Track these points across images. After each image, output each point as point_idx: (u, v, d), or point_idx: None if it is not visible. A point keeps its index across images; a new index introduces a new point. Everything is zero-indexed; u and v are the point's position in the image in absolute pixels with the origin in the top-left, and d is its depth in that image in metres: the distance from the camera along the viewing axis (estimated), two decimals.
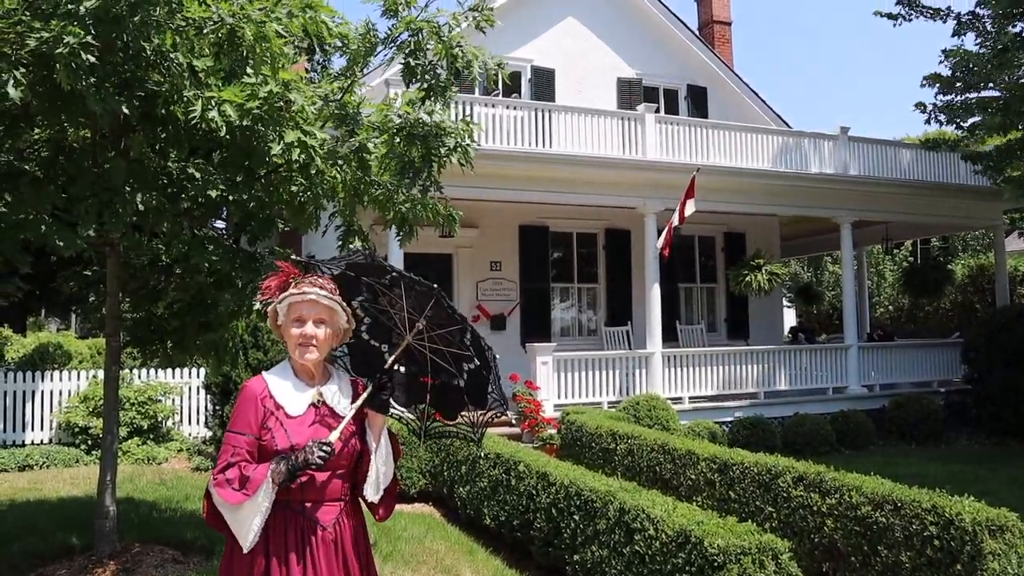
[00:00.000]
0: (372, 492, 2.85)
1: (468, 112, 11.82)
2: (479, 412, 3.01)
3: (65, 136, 4.98)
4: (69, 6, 3.80)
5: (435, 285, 2.84)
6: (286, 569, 2.66)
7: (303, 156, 4.42)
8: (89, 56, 3.81)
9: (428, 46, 5.23)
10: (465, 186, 11.39)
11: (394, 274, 2.86)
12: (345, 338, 2.92)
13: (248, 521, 2.61)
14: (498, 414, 3.02)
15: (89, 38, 3.82)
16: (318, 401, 2.80)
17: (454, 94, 5.46)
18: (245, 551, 2.64)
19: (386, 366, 2.86)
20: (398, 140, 5.24)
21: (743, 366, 13.43)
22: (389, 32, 5.17)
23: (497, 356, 2.98)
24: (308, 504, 2.72)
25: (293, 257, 3.33)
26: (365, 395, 2.79)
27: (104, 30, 3.94)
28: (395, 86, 10.24)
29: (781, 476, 6.25)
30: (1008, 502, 5.28)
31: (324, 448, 2.61)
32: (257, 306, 5.05)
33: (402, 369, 2.94)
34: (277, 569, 2.66)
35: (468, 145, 5.41)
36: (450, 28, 5.23)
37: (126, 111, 4.28)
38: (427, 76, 5.24)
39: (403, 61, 5.24)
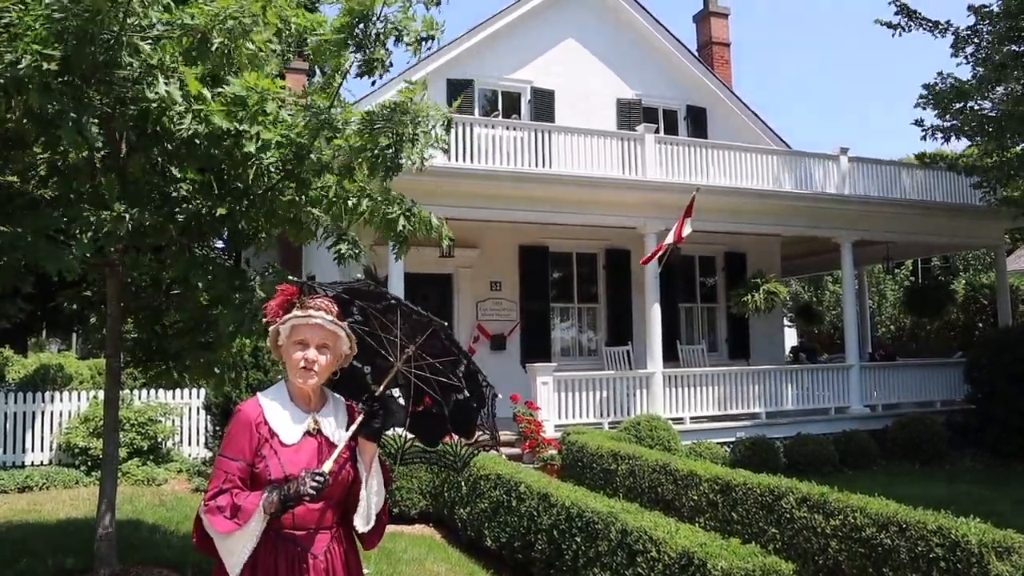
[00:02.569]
0: (362, 523, 2.79)
1: (468, 132, 11.87)
2: (463, 442, 3.00)
3: (65, 157, 4.98)
4: (39, 23, 3.78)
5: (436, 319, 2.83)
6: None
7: (278, 152, 4.41)
8: (50, 65, 3.78)
9: (379, 28, 5.18)
10: (465, 206, 11.47)
11: (391, 301, 2.84)
12: (345, 363, 2.87)
13: (238, 550, 2.57)
14: (484, 447, 3.01)
15: (54, 57, 3.80)
16: (314, 429, 2.75)
17: (386, 61, 5.37)
18: None
19: (376, 393, 2.82)
20: (367, 135, 5.18)
21: (745, 386, 13.39)
22: (338, 22, 5.14)
23: (498, 395, 2.99)
24: (299, 533, 2.67)
25: (291, 278, 3.30)
26: (356, 423, 2.75)
27: (75, 48, 3.91)
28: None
29: (784, 497, 6.22)
30: (1014, 523, 5.24)
31: (317, 478, 2.55)
32: (252, 327, 5.03)
33: (390, 394, 2.91)
34: None
35: (428, 131, 5.29)
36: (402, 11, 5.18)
37: (100, 141, 4.26)
38: (372, 54, 5.20)
39: (353, 51, 5.20)
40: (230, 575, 2.60)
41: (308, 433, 2.74)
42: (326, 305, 2.75)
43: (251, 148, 4.40)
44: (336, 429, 2.79)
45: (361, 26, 5.11)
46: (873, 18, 13.44)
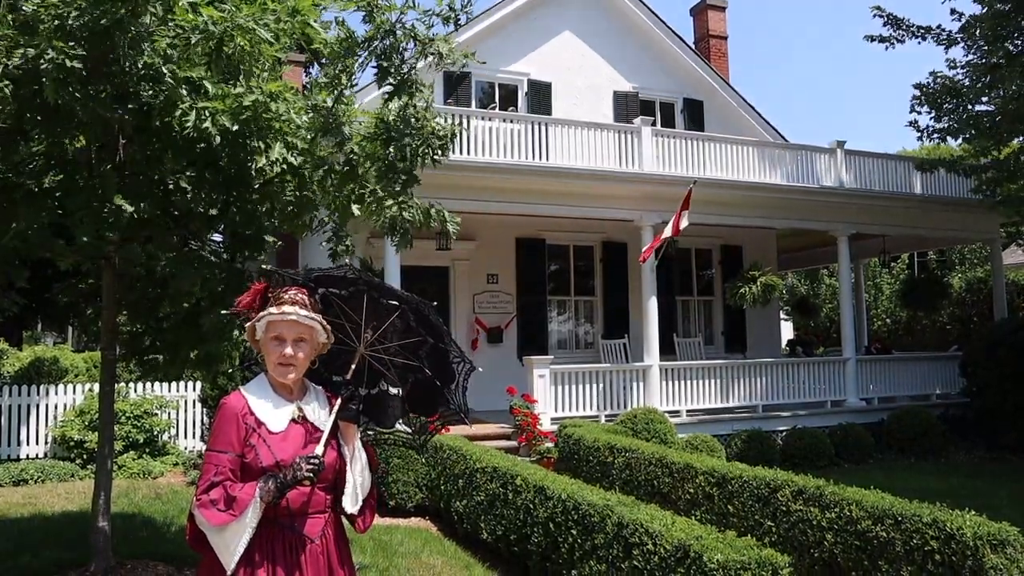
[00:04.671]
0: (350, 504, 2.83)
1: (465, 125, 11.84)
2: (423, 419, 3.08)
3: (62, 149, 4.96)
4: (55, 22, 3.78)
5: (410, 298, 2.90)
6: None
7: (285, 166, 4.42)
8: (74, 63, 3.78)
9: (408, 47, 5.22)
10: (462, 199, 11.43)
11: (360, 286, 2.90)
12: (323, 351, 2.91)
13: (234, 542, 2.58)
14: (446, 422, 3.09)
15: (78, 51, 3.80)
16: (298, 416, 2.79)
17: (424, 89, 5.42)
18: (228, 573, 2.59)
19: (348, 375, 2.89)
20: (379, 143, 5.21)
21: (741, 379, 13.40)
22: (365, 35, 5.15)
23: (475, 368, 3.06)
24: (296, 519, 2.71)
25: (264, 267, 3.33)
26: (336, 407, 2.81)
27: (95, 44, 3.91)
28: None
29: (780, 490, 6.22)
30: (1009, 516, 5.26)
31: (312, 461, 2.61)
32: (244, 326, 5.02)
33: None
34: None
35: (440, 139, 5.35)
36: (426, 26, 5.20)
37: (118, 117, 4.25)
38: (399, 74, 5.23)
39: (375, 64, 5.22)
40: (226, 569, 2.59)
41: (293, 420, 2.78)
42: (300, 298, 2.79)
43: (262, 163, 4.41)
44: (319, 415, 2.83)
45: (384, 40, 5.13)
46: (870, 12, 13.33)
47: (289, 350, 2.74)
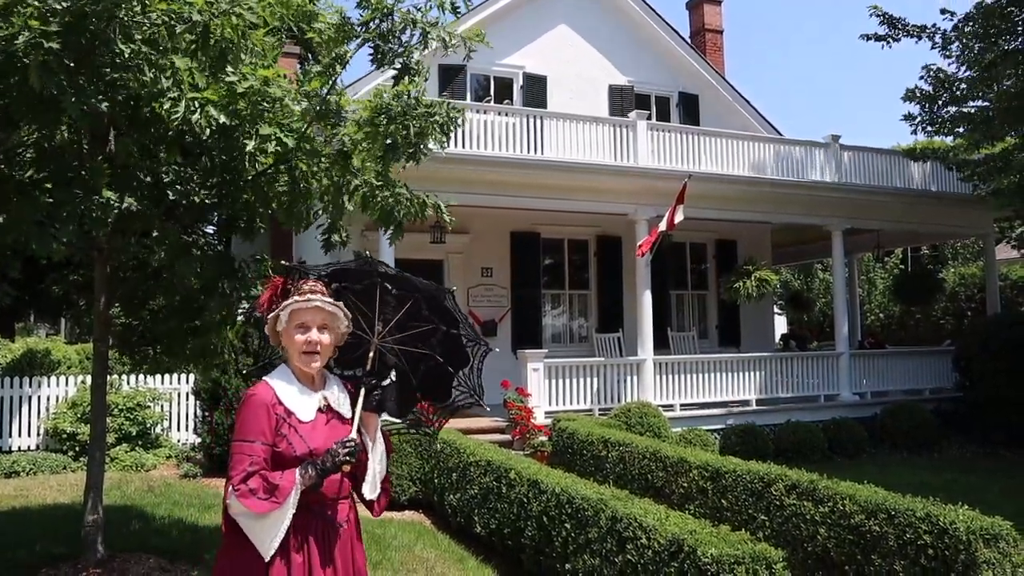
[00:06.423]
0: (370, 490, 2.91)
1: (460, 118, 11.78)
2: (439, 406, 3.15)
3: (52, 139, 4.92)
4: (35, 4, 3.73)
5: (423, 286, 2.97)
6: (308, 570, 2.69)
7: (278, 147, 4.38)
8: (52, 43, 3.74)
9: (406, 31, 5.20)
10: (456, 192, 11.39)
11: (374, 279, 2.97)
12: (341, 341, 2.94)
13: (274, 529, 2.61)
14: (457, 408, 3.15)
15: (54, 28, 3.76)
16: (324, 406, 2.84)
17: (419, 78, 5.41)
18: (267, 559, 2.61)
19: (368, 368, 2.93)
20: (383, 121, 5.17)
21: (735, 373, 13.41)
22: (361, 18, 5.11)
23: (490, 350, 3.13)
24: (327, 504, 2.77)
25: (283, 263, 3.35)
26: (362, 397, 2.84)
27: (75, 30, 3.87)
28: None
29: (774, 484, 6.23)
30: (1001, 511, 5.26)
31: (348, 444, 2.67)
32: (240, 318, 5.00)
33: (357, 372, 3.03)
34: (301, 569, 2.67)
35: (447, 118, 5.31)
36: (422, 13, 5.18)
37: (104, 109, 4.22)
38: (396, 57, 5.21)
39: (371, 46, 5.19)
40: (264, 556, 2.62)
41: (320, 410, 2.83)
42: (319, 288, 2.84)
43: (251, 146, 4.37)
44: (342, 404, 2.89)
45: (382, 23, 5.10)
46: (868, 12, 13.33)
47: (315, 335, 2.78)
